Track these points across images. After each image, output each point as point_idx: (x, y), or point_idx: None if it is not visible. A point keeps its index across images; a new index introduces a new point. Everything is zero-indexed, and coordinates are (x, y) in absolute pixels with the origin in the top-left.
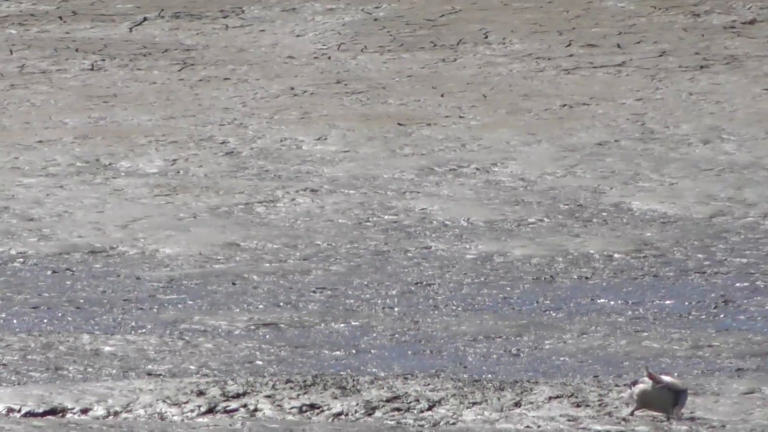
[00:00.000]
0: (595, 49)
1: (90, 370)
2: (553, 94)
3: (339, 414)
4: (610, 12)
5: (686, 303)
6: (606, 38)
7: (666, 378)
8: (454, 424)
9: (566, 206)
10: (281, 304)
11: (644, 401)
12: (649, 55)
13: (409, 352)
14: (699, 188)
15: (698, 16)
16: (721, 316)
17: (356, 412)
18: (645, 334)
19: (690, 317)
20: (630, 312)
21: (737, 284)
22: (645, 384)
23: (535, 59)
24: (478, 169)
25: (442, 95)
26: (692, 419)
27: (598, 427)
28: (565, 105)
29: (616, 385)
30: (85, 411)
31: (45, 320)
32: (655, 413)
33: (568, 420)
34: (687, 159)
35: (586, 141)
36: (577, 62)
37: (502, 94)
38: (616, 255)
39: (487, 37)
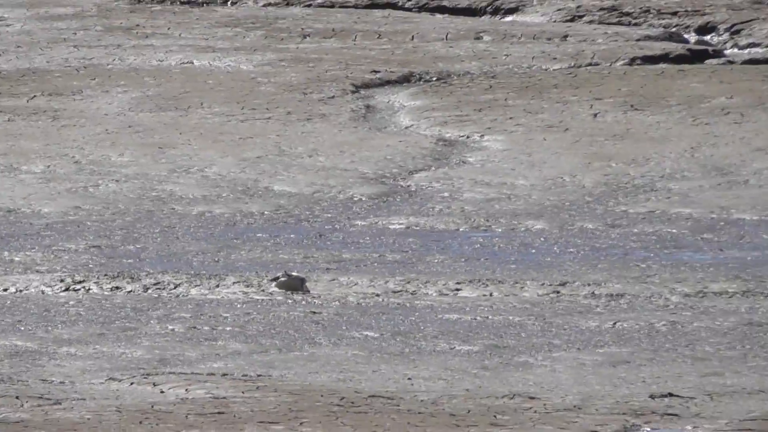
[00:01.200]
0: None
1: None
2: None
3: (130, 291)
4: None
5: None
6: None
7: (293, 274)
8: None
9: None
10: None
11: (286, 286)
12: None
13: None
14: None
15: None
16: None
17: (139, 290)
18: None
19: None
20: None
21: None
22: (284, 278)
23: None
24: None
25: None
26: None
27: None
28: None
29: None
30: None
31: None
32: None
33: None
34: None
35: None
36: None
37: None
38: None
39: None
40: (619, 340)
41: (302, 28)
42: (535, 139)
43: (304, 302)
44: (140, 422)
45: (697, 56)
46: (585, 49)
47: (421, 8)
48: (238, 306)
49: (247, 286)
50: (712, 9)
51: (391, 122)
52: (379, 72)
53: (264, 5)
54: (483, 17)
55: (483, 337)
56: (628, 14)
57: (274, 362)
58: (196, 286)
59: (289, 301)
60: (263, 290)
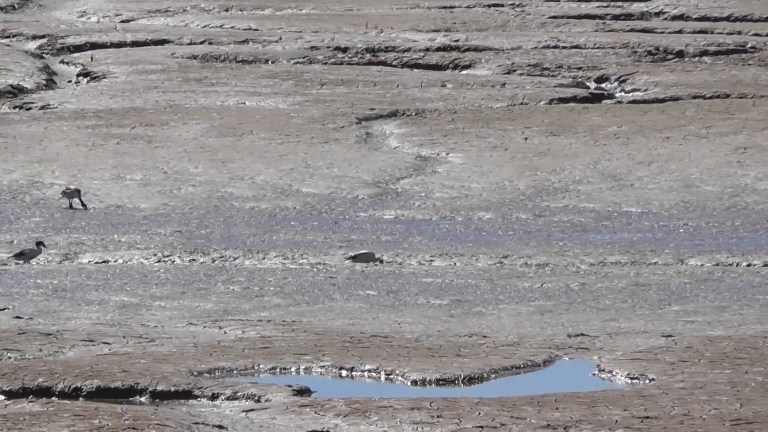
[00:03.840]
0: None
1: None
2: None
3: (203, 262)
4: None
5: None
6: None
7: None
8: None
9: None
10: None
11: (363, 259)
12: None
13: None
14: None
15: None
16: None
17: (209, 262)
18: None
19: None
20: None
21: None
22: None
23: None
24: None
25: None
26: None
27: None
28: None
29: None
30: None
31: None
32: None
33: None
34: None
35: None
36: None
37: None
38: None
39: None
40: (545, 296)
41: (321, 79)
42: (484, 156)
43: (324, 270)
44: (210, 354)
45: (596, 98)
46: (518, 93)
47: (404, 65)
48: (278, 272)
49: (285, 259)
50: (606, 65)
51: (384, 144)
52: (375, 109)
53: (294, 63)
54: (447, 71)
55: (450, 294)
56: (547, 69)
57: (303, 312)
58: (248, 258)
59: (314, 269)
60: (295, 261)
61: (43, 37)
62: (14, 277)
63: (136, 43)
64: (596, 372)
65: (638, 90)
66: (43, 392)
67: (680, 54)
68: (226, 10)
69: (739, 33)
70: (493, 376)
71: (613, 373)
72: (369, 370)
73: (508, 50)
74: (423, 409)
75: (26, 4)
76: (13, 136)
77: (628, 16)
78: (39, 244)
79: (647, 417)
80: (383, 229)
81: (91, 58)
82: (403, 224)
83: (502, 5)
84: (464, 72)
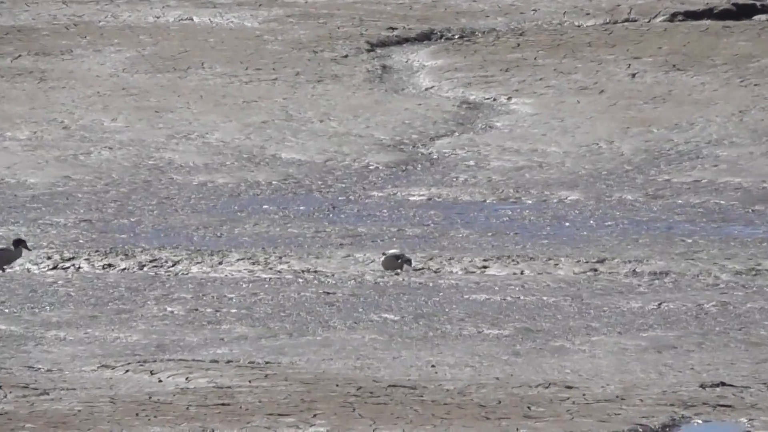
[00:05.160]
0: None
1: None
2: None
3: (124, 269)
4: None
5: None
6: None
7: (391, 251)
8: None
9: None
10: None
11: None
12: None
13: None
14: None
15: None
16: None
17: (134, 268)
18: None
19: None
20: None
21: (340, 198)
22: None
23: None
24: None
25: None
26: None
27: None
28: None
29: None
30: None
31: None
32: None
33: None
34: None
35: None
36: None
37: None
38: None
39: None
40: (665, 323)
41: None
42: (568, 102)
43: (316, 281)
44: (136, 414)
45: (743, 11)
46: (621, 4)
47: None
48: (244, 285)
49: (253, 264)
50: None
51: (410, 83)
52: (396, 29)
53: None
54: None
55: (514, 320)
56: None
57: (284, 348)
58: (197, 263)
59: (300, 281)
60: (271, 268)
61: None
62: None
63: None
64: None
65: None
66: None
67: None
68: None
69: None
70: None
71: None
72: None
73: None
74: None
75: None
76: None
77: None
78: (18, 243)
79: None
80: (409, 217)
81: None
82: (441, 209)
83: None
84: None
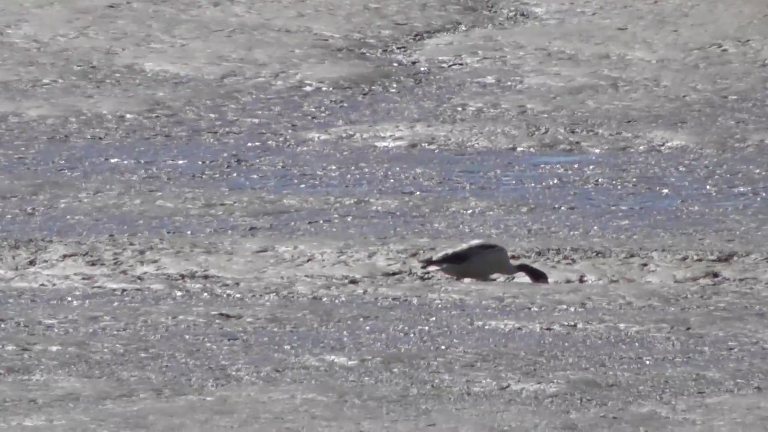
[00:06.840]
0: None
1: None
2: None
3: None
4: None
5: (199, 162)
6: None
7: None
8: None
9: (79, 67)
10: None
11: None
12: None
13: None
14: (210, 49)
15: None
16: (234, 174)
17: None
18: (159, 193)
19: (203, 176)
20: (143, 171)
21: (249, 144)
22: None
23: None
24: None
25: None
26: (206, 277)
27: (113, 285)
28: None
29: (131, 244)
30: None
31: None
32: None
33: (83, 278)
34: (197, 20)
35: (98, 3)
36: None
37: None
38: (128, 115)
39: None
40: None
41: None
42: None
43: (206, 296)
44: None
45: None
46: None
47: None
48: (75, 303)
49: (92, 264)
50: None
51: None
52: None
53: None
54: None
55: (566, 367)
56: None
57: (146, 418)
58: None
59: (177, 295)
60: (124, 272)
61: None
62: None
63: None
64: None
65: None
66: None
67: None
68: None
69: None
70: None
71: None
72: None
73: None
74: None
75: None
76: None
77: None
78: None
79: None
80: (376, 177)
81: None
82: (434, 164)
83: None
84: None
